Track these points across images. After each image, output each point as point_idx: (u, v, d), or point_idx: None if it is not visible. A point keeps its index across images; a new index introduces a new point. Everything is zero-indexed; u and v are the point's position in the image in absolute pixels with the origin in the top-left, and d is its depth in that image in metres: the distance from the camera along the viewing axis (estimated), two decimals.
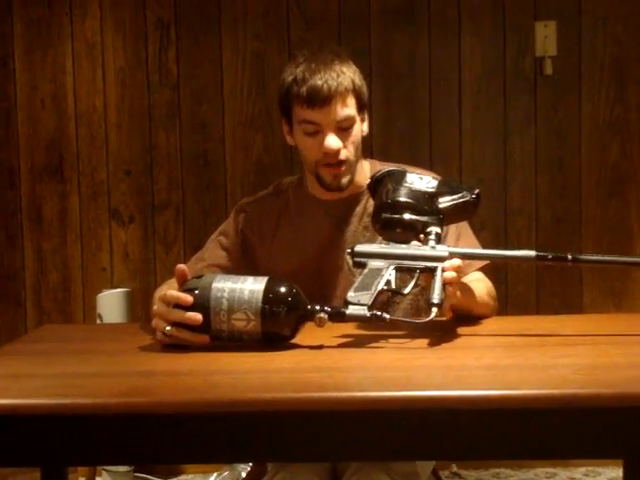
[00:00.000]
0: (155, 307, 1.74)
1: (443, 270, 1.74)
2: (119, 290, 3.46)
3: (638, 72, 3.51)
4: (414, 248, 1.81)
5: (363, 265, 1.80)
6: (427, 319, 1.73)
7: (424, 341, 1.75)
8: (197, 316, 1.68)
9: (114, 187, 3.60)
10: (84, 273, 3.62)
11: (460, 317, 1.94)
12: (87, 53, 3.58)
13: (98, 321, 3.40)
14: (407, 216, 1.82)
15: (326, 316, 1.70)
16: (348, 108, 2.03)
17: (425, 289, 1.97)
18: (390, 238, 1.84)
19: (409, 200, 1.82)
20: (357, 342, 1.75)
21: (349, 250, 1.82)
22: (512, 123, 3.55)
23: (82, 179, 3.60)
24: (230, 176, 3.59)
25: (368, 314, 1.71)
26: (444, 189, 1.84)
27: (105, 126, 3.59)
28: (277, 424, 1.38)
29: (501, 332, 1.90)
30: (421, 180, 1.84)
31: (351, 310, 1.72)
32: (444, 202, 1.83)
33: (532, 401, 1.37)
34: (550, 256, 1.78)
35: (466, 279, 1.97)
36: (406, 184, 1.83)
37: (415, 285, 1.87)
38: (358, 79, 2.07)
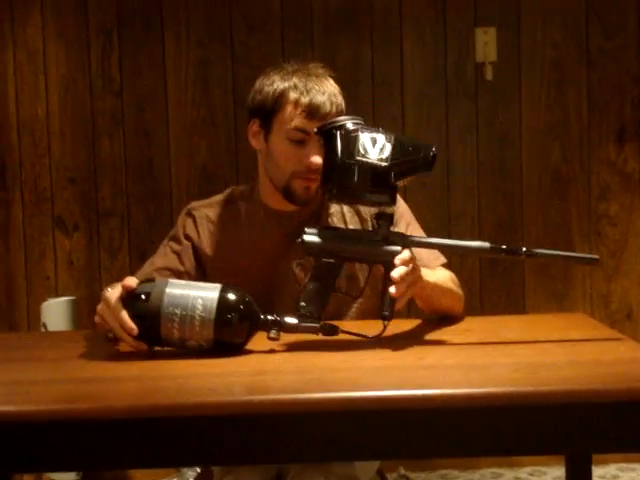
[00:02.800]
0: (99, 307, 1.74)
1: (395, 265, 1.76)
2: (64, 299, 3.44)
3: (577, 76, 3.57)
4: (365, 241, 1.81)
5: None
6: (379, 334, 1.76)
7: (368, 343, 1.77)
8: (142, 346, 1.70)
9: (58, 195, 3.58)
10: (28, 282, 3.59)
11: (429, 311, 2.02)
12: (29, 61, 3.55)
13: (43, 330, 3.37)
14: (360, 196, 1.80)
15: (279, 334, 1.72)
16: None
17: (372, 297, 2.00)
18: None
19: (361, 182, 1.77)
20: (303, 345, 1.76)
21: (299, 239, 1.81)
22: (454, 128, 3.59)
23: (25, 187, 3.57)
24: (175, 183, 3.58)
25: (319, 326, 1.75)
26: (398, 158, 1.78)
27: (48, 134, 3.57)
28: (221, 427, 1.39)
29: (443, 333, 1.92)
30: (374, 147, 1.78)
31: (303, 324, 1.75)
32: (398, 178, 1.80)
33: (473, 399, 1.39)
34: (504, 248, 1.80)
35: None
36: (358, 154, 1.77)
37: (364, 289, 1.90)
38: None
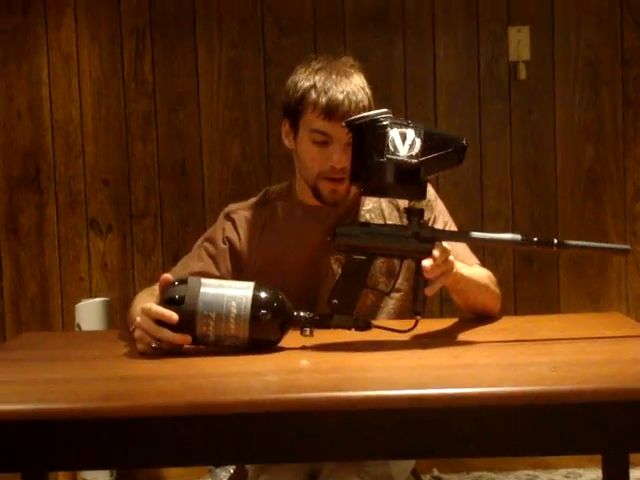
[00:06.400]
0: (138, 319, 1.73)
1: (426, 267, 1.74)
2: (98, 299, 3.45)
3: (611, 75, 3.54)
4: (396, 237, 1.79)
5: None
6: (411, 329, 1.76)
7: (403, 342, 1.76)
8: (186, 338, 1.69)
9: (92, 197, 3.59)
10: (62, 283, 3.61)
11: (465, 307, 2.01)
12: (63, 63, 3.57)
13: (77, 331, 3.39)
14: (390, 193, 1.82)
15: (312, 331, 1.73)
16: None
17: (408, 293, 1.99)
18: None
19: (391, 180, 1.74)
20: (337, 343, 1.76)
21: (329, 237, 1.80)
22: (487, 127, 3.57)
23: (59, 189, 3.59)
24: (208, 184, 3.59)
25: (352, 322, 1.76)
26: (428, 154, 1.74)
27: (82, 136, 3.59)
28: (256, 426, 1.39)
29: (479, 332, 1.91)
30: (403, 144, 1.74)
31: (336, 320, 1.76)
32: (428, 174, 1.77)
33: (510, 398, 1.38)
34: (536, 240, 1.79)
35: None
36: (388, 152, 1.73)
37: (395, 285, 1.90)
38: (370, 94, 2.04)
